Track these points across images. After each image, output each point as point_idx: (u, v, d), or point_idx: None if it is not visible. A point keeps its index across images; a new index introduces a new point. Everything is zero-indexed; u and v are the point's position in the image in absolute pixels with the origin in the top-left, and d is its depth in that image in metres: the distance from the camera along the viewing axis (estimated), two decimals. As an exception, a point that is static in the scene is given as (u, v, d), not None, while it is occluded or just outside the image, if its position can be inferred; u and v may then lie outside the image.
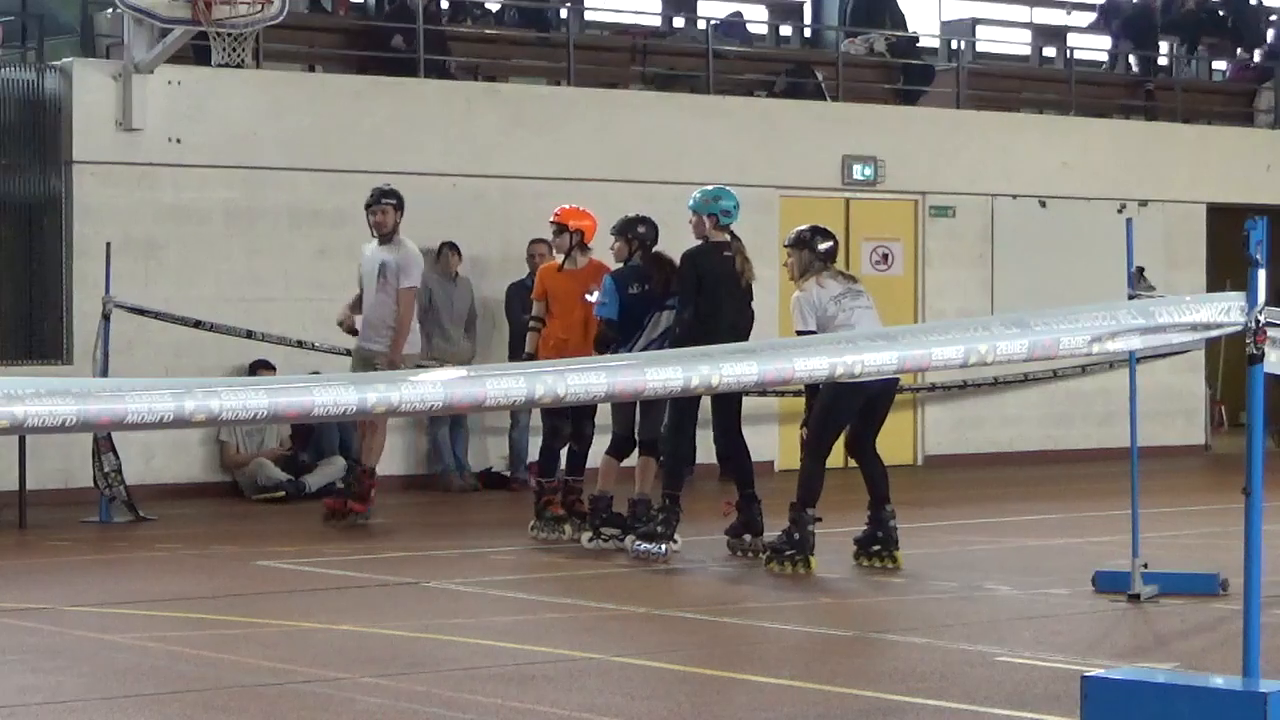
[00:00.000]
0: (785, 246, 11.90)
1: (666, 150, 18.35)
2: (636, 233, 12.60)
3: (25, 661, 8.62)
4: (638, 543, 12.12)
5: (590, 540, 12.55)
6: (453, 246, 17.08)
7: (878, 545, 11.69)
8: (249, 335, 15.63)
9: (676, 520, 12.16)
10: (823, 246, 11.70)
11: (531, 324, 13.31)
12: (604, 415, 12.85)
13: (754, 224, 16.36)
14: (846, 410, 11.50)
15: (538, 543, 13.02)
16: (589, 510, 12.78)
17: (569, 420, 13.07)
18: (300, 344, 15.91)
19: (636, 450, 12.52)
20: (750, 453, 12.38)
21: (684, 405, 12.06)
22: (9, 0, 17.22)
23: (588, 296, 12.96)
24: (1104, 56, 24.17)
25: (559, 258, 13.28)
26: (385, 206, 14.13)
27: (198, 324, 15.36)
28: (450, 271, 17.10)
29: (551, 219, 13.33)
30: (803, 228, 11.92)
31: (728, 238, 12.26)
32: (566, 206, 13.46)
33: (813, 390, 11.57)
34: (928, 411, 19.97)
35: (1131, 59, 23.50)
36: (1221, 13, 24.56)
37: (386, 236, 14.15)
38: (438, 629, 9.42)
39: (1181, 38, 23.77)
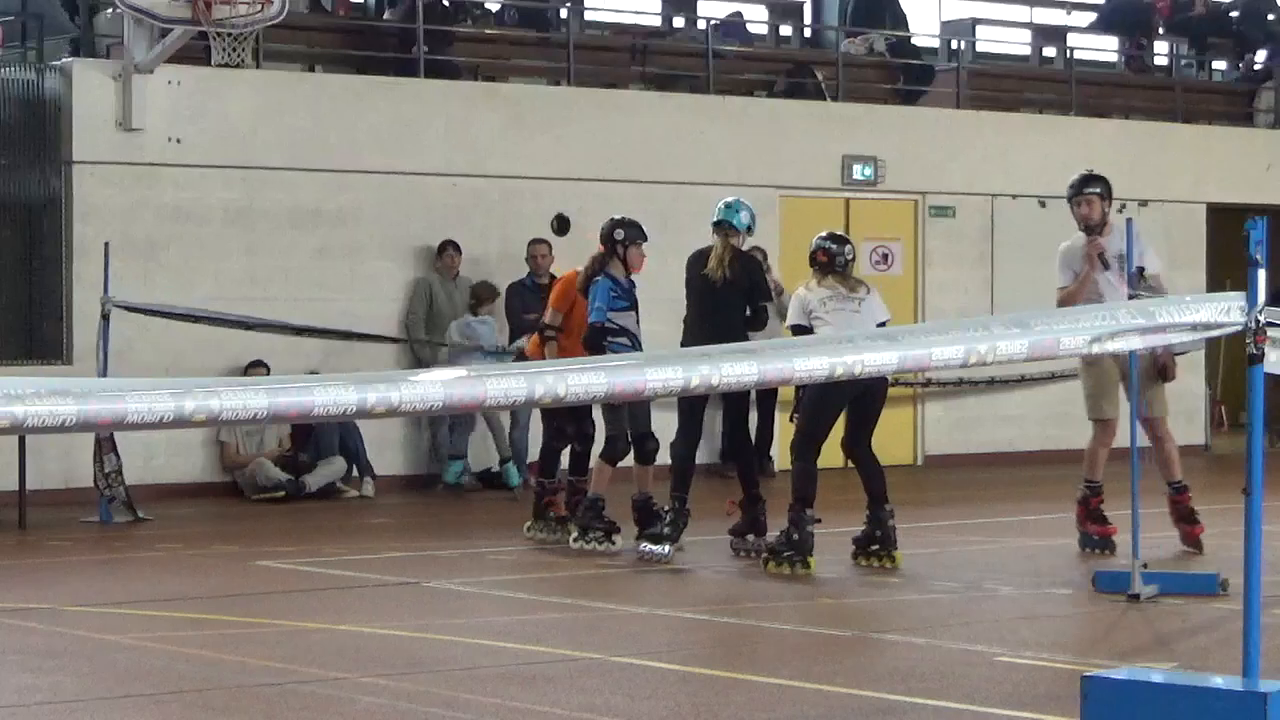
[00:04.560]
0: None
1: (666, 150, 18.34)
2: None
3: (25, 661, 8.61)
4: (643, 544, 12.12)
5: (575, 540, 12.51)
6: (453, 245, 17.07)
7: (876, 545, 11.71)
8: (248, 328, 15.51)
9: (684, 523, 12.17)
10: (815, 255, 11.88)
11: (549, 333, 12.81)
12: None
13: (753, 224, 16.37)
14: (837, 400, 11.50)
15: (534, 543, 13.00)
16: (582, 511, 12.69)
17: (571, 420, 13.02)
18: (300, 331, 15.71)
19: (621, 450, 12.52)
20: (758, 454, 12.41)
21: (693, 406, 12.10)
22: (9, 0, 17.21)
23: None
24: (1104, 56, 24.16)
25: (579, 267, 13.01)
26: (1090, 196, 12.72)
27: (196, 319, 15.27)
28: (451, 271, 17.09)
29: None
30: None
31: (713, 240, 12.34)
32: None
33: None
34: (927, 411, 19.96)
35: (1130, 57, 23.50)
36: (1232, 14, 24.52)
37: (1097, 227, 12.73)
38: (438, 629, 9.42)
39: (1190, 41, 23.74)
